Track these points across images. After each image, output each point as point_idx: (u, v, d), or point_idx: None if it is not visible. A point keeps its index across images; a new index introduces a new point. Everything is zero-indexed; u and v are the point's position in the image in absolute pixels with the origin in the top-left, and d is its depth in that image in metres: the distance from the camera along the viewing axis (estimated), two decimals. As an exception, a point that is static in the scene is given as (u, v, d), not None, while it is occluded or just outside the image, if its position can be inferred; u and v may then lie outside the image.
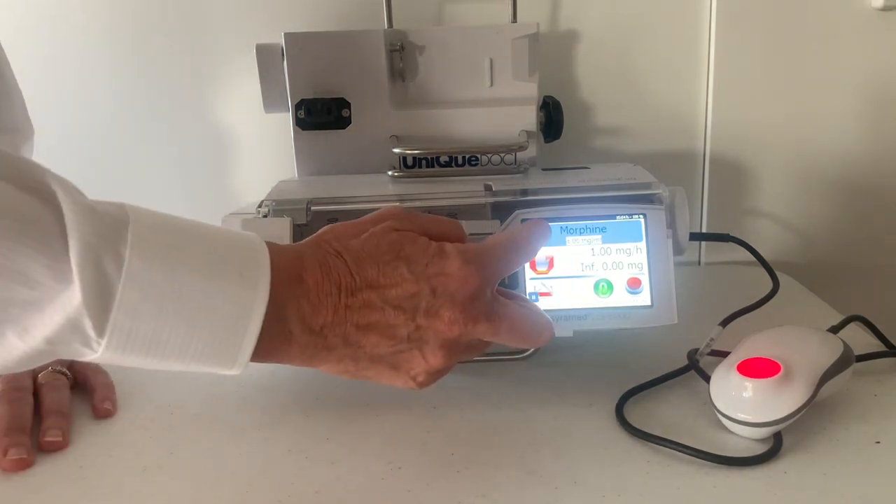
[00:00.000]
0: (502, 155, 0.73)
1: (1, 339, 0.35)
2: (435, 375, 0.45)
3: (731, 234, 0.68)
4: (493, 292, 0.45)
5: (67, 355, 0.37)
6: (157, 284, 0.36)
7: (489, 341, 0.46)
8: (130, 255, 0.36)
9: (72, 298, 0.35)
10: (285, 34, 0.72)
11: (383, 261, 0.43)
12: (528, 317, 0.47)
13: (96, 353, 0.37)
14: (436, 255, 0.43)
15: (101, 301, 0.35)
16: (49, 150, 0.63)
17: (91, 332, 0.36)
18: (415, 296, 0.42)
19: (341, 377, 0.44)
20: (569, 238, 0.57)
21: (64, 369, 0.59)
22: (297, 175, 0.76)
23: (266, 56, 0.73)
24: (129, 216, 0.37)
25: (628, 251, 0.57)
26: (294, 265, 0.41)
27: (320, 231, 0.45)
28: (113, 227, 0.36)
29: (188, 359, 0.38)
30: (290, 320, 0.41)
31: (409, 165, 0.74)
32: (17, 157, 0.37)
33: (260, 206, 0.60)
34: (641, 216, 0.58)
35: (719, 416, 0.50)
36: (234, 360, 0.39)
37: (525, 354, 0.61)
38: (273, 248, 0.42)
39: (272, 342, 0.40)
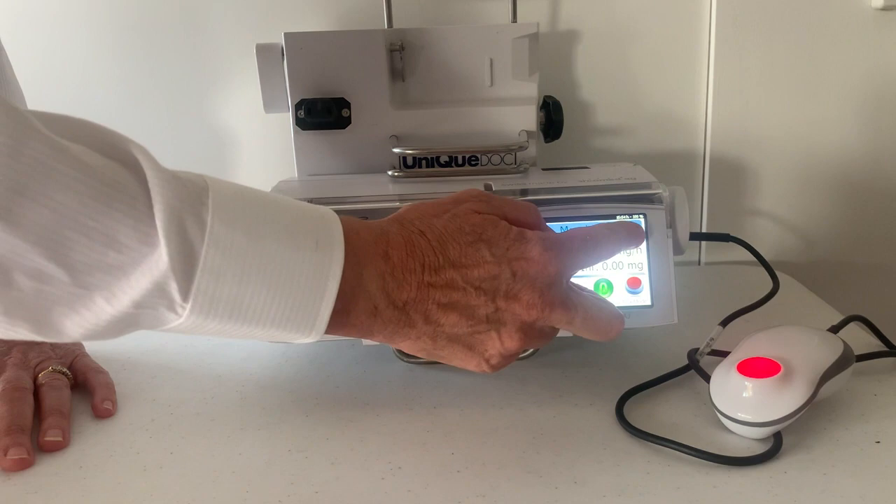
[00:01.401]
0: (502, 155, 0.73)
1: (90, 304, 0.36)
2: (508, 359, 0.46)
3: (731, 234, 0.68)
4: (570, 282, 0.47)
5: (152, 321, 0.38)
6: (239, 249, 0.37)
7: (557, 329, 0.47)
8: (212, 221, 0.37)
9: (158, 262, 0.35)
10: (285, 34, 0.72)
11: (465, 241, 0.44)
12: (602, 308, 0.48)
13: (181, 317, 0.37)
14: (517, 240, 0.44)
15: (186, 264, 0.36)
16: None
17: (176, 296, 0.36)
18: (495, 278, 0.43)
19: (417, 355, 0.46)
20: (569, 238, 0.57)
21: (64, 369, 0.59)
22: (297, 175, 0.76)
23: (266, 56, 0.73)
24: (209, 184, 0.38)
25: (628, 251, 0.57)
26: (380, 241, 0.43)
27: (401, 210, 0.46)
28: (194, 193, 0.37)
29: (268, 324, 0.39)
30: (376, 295, 0.42)
31: (409, 165, 0.74)
32: (99, 126, 0.38)
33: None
34: (641, 216, 0.58)
35: (719, 415, 0.50)
36: (311, 325, 0.40)
37: (525, 354, 0.61)
38: (359, 224, 0.43)
39: (359, 316, 0.42)
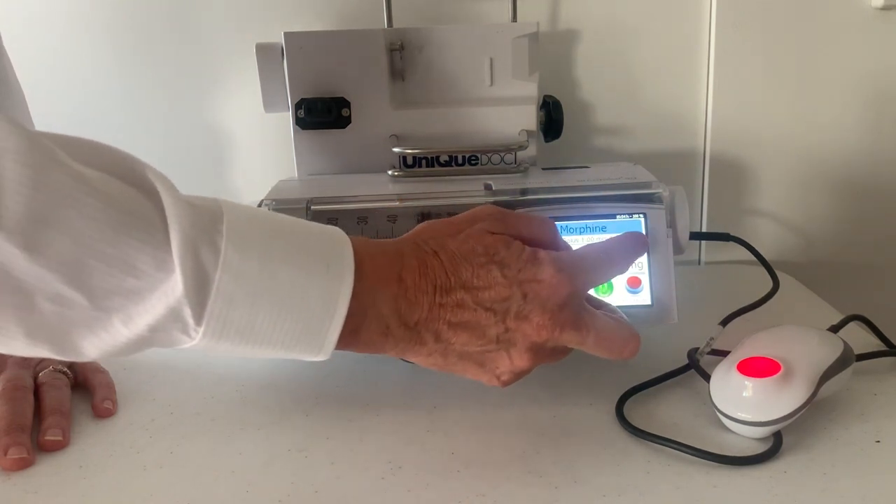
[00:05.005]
0: (502, 154, 0.73)
1: (108, 326, 0.37)
2: (519, 375, 0.47)
3: (732, 234, 0.68)
4: (583, 302, 0.47)
5: (166, 343, 0.39)
6: (251, 274, 0.38)
7: (570, 348, 0.47)
8: (226, 247, 0.38)
9: (174, 288, 0.36)
10: (285, 34, 0.72)
11: (478, 263, 0.44)
12: (615, 328, 0.48)
13: (194, 340, 0.38)
14: (529, 261, 0.45)
15: (199, 290, 0.37)
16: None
17: (190, 320, 0.37)
18: (506, 299, 0.44)
19: (430, 369, 0.46)
20: (569, 237, 0.57)
21: (65, 368, 0.59)
22: (297, 175, 0.76)
23: (266, 56, 0.73)
24: (223, 210, 0.39)
25: (628, 251, 0.57)
26: (395, 264, 0.43)
27: (417, 228, 0.47)
28: (209, 219, 0.38)
29: (278, 345, 0.40)
30: (388, 316, 0.43)
31: (410, 165, 0.74)
32: (119, 151, 0.39)
33: (260, 205, 0.60)
34: (641, 215, 0.58)
35: (719, 415, 0.50)
36: (320, 346, 0.41)
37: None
38: (374, 248, 0.44)
39: (370, 335, 0.43)
